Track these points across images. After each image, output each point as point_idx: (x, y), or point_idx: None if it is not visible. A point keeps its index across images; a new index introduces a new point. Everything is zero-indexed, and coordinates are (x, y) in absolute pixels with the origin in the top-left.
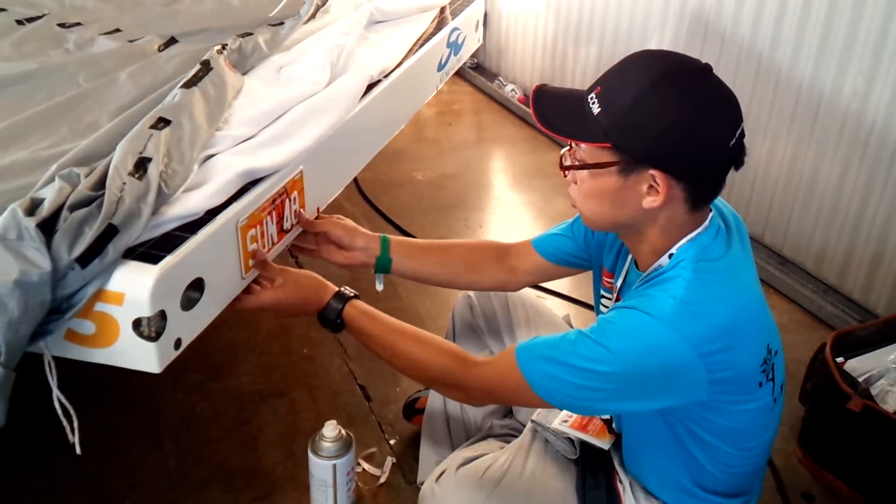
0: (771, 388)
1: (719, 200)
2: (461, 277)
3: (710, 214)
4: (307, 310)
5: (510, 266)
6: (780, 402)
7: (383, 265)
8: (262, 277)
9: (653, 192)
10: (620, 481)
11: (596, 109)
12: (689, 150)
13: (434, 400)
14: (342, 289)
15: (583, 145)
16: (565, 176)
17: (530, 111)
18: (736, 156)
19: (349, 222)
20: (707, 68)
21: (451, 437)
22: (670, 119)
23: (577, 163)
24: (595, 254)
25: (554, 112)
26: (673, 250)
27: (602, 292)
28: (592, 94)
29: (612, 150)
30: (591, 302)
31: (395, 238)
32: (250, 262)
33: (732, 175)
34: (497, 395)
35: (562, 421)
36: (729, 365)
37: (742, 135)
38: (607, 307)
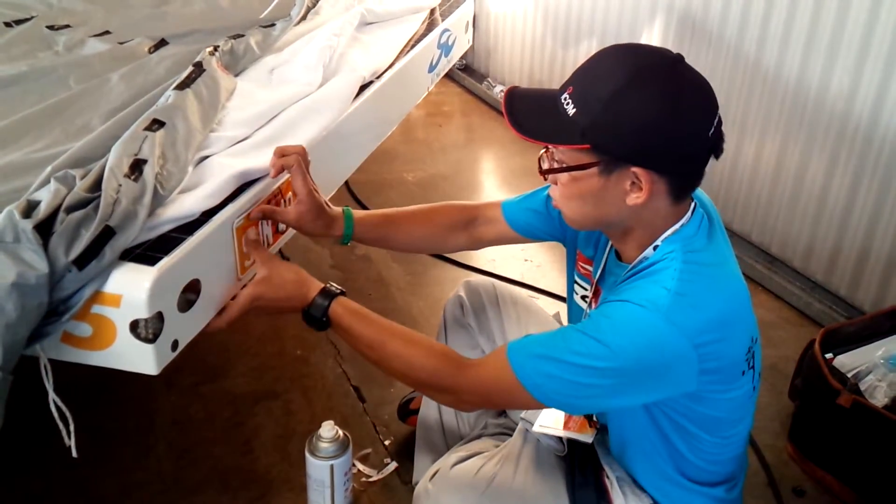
0: (752, 375)
1: (698, 190)
2: (424, 246)
3: (693, 205)
4: (290, 306)
5: (476, 235)
6: (757, 389)
7: (346, 239)
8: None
9: (635, 188)
10: (607, 477)
11: (571, 110)
12: (669, 144)
13: (428, 399)
14: (328, 285)
15: (560, 147)
16: (545, 180)
17: (504, 117)
18: (715, 144)
19: (316, 199)
20: (678, 58)
21: (445, 437)
22: (648, 115)
23: (555, 165)
24: (570, 234)
25: (528, 116)
26: (658, 242)
27: (577, 279)
28: (565, 94)
29: (591, 151)
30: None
31: (358, 213)
32: (245, 252)
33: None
34: (491, 399)
35: (540, 425)
36: (719, 355)
37: (720, 122)
38: (581, 295)
